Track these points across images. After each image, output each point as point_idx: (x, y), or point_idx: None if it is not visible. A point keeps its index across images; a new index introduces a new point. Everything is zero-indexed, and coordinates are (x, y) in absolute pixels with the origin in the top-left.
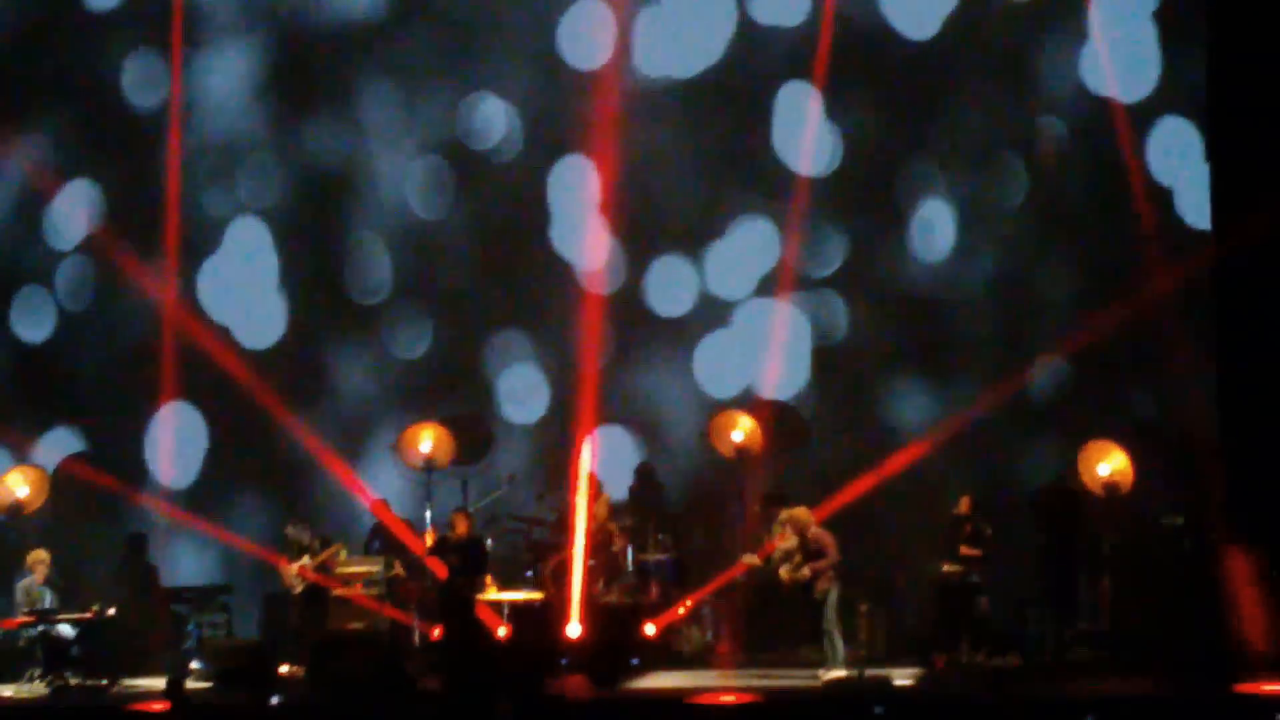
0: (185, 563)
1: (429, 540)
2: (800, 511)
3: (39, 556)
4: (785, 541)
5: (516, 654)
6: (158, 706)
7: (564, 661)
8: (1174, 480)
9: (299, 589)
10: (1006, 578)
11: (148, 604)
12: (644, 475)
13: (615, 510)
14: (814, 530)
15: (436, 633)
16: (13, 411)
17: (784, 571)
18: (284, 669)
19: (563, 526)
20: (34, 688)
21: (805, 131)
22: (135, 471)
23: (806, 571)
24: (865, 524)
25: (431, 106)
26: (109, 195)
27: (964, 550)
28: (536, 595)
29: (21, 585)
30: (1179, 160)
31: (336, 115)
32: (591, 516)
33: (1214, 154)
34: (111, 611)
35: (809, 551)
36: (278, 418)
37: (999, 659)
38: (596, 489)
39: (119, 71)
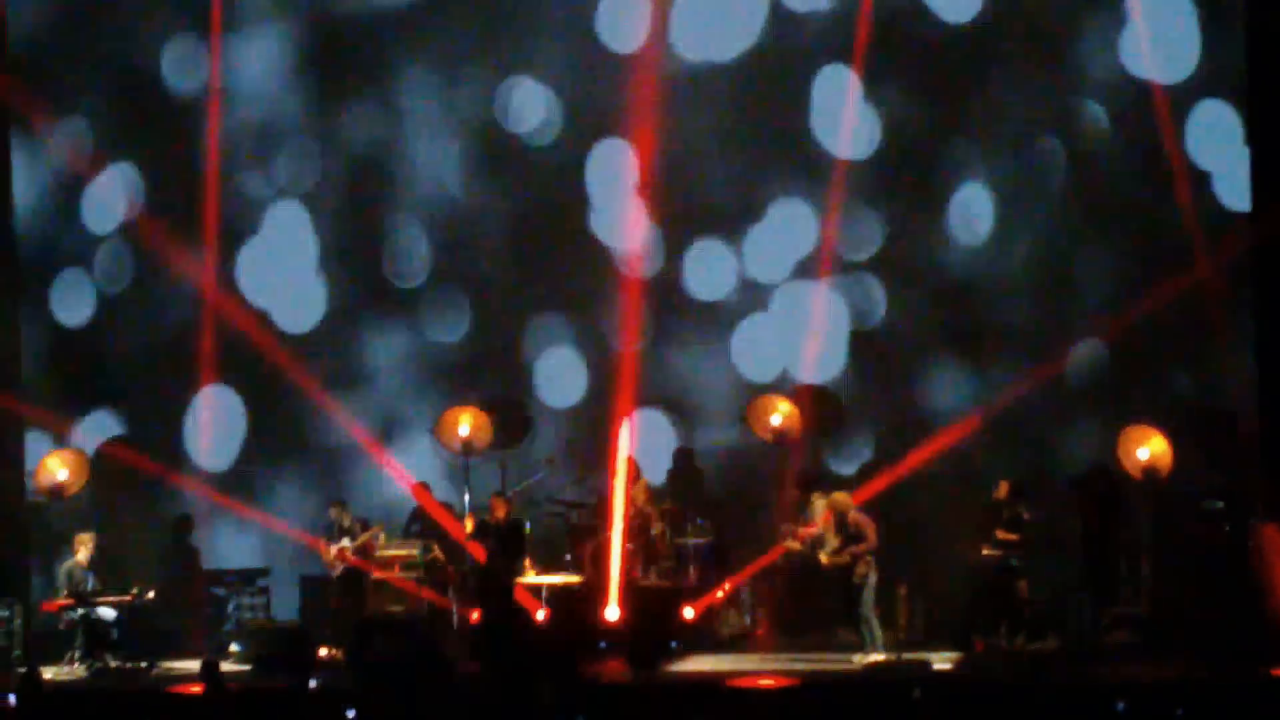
0: (224, 545)
1: (468, 525)
2: (841, 496)
3: (84, 539)
4: (815, 527)
5: (555, 637)
6: (194, 689)
7: (602, 644)
8: (1214, 464)
9: (338, 571)
10: (1045, 562)
11: (188, 586)
12: (682, 459)
13: (654, 494)
14: (854, 515)
15: (475, 616)
16: (52, 395)
17: (824, 556)
18: (323, 652)
19: (602, 510)
20: (73, 670)
21: (844, 114)
22: (174, 455)
23: (846, 557)
24: (904, 508)
25: (470, 90)
26: (148, 178)
27: (1000, 535)
28: (575, 579)
29: (65, 567)
30: (1218, 143)
31: (375, 98)
32: (630, 500)
33: (1254, 136)
34: (151, 594)
35: (849, 536)
36: (316, 401)
37: (1037, 643)
38: (635, 473)
39: (158, 54)
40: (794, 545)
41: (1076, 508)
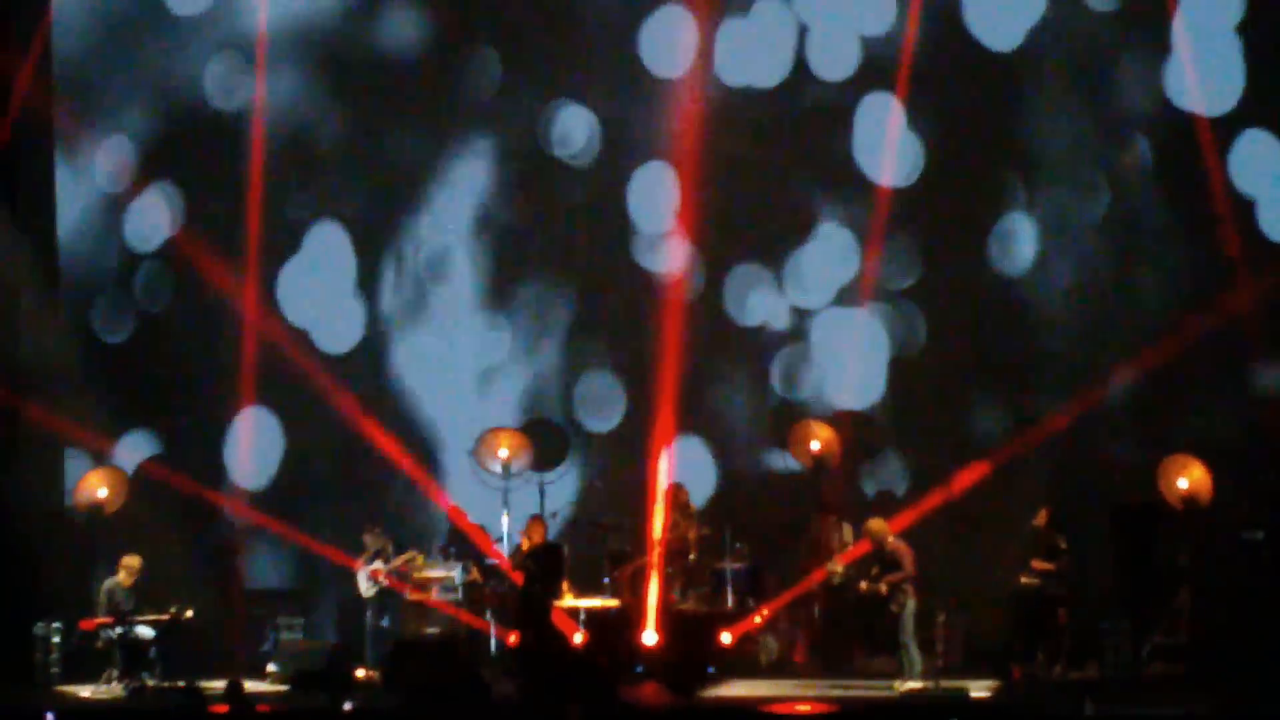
0: (263, 566)
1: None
2: (877, 523)
3: (130, 562)
4: (853, 553)
5: (592, 661)
6: (220, 709)
7: (639, 669)
8: (1254, 494)
9: (371, 593)
10: (1085, 590)
11: (227, 606)
12: (725, 483)
13: (697, 519)
14: (892, 542)
15: (513, 639)
16: (93, 413)
17: (863, 583)
18: (360, 673)
19: (641, 534)
20: (111, 689)
21: (886, 142)
22: (214, 474)
23: (883, 588)
24: (943, 535)
25: (512, 113)
26: (190, 198)
27: (1036, 564)
28: (613, 602)
29: (106, 586)
30: (1262, 173)
31: (417, 120)
32: (671, 525)
33: None
34: (189, 614)
35: (886, 563)
36: (355, 422)
37: (1076, 671)
38: (684, 499)
39: (202, 74)
40: (836, 569)
41: (1116, 536)
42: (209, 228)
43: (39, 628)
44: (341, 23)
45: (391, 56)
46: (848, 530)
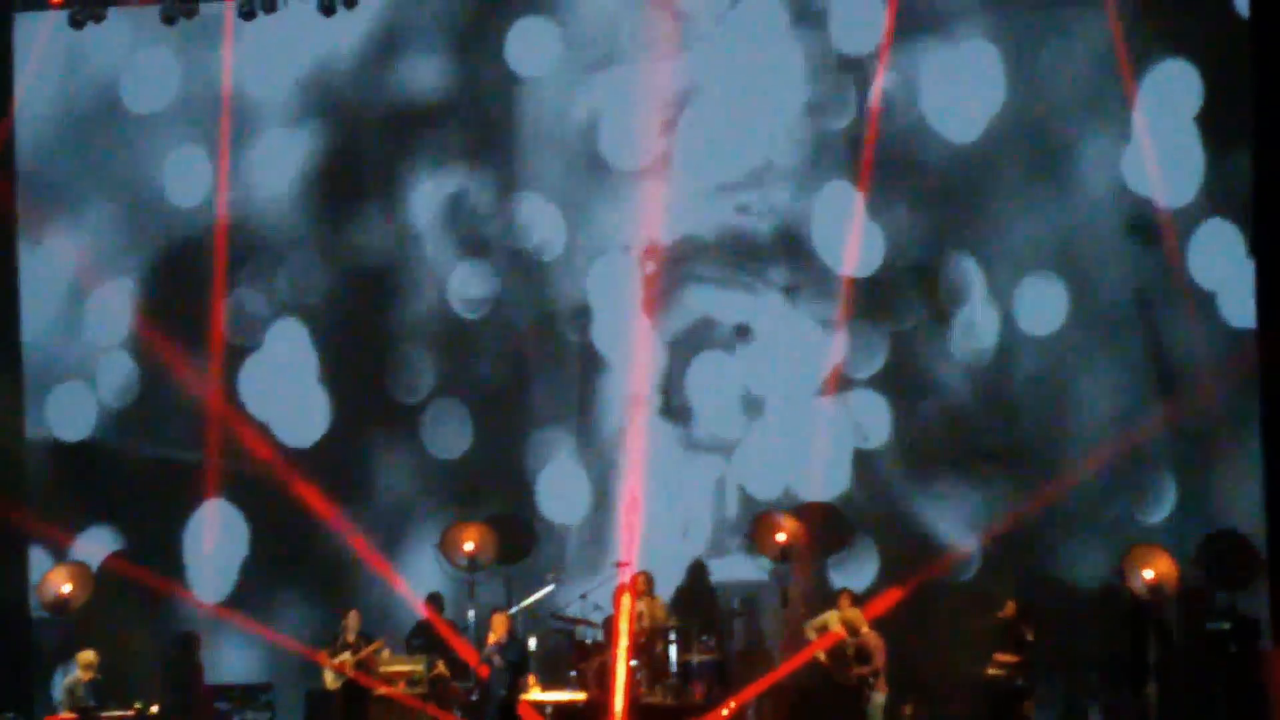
0: (227, 660)
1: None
2: (853, 613)
3: (87, 659)
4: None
5: None
6: None
7: None
8: (1221, 584)
9: (336, 686)
10: (1054, 682)
11: (192, 702)
12: (694, 574)
13: (666, 611)
14: (865, 632)
15: None
16: (53, 509)
17: (834, 672)
18: None
19: (608, 626)
20: None
21: (848, 232)
22: (176, 569)
23: (854, 679)
24: (910, 627)
25: (473, 204)
26: (151, 292)
27: (998, 657)
28: (580, 696)
29: (66, 683)
30: (1222, 262)
31: (378, 213)
32: (637, 616)
33: (1258, 256)
34: (154, 709)
35: (858, 654)
36: (319, 516)
37: None
38: (648, 588)
39: (163, 168)
40: (820, 657)
41: (1088, 628)
42: (171, 322)
43: None
44: (303, 116)
45: (351, 149)
46: (833, 618)
